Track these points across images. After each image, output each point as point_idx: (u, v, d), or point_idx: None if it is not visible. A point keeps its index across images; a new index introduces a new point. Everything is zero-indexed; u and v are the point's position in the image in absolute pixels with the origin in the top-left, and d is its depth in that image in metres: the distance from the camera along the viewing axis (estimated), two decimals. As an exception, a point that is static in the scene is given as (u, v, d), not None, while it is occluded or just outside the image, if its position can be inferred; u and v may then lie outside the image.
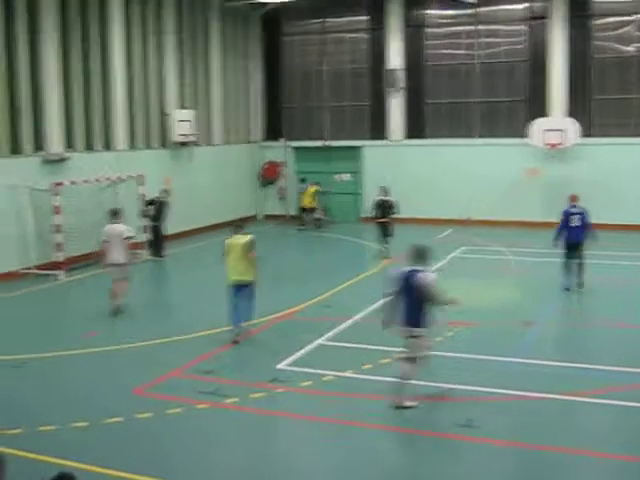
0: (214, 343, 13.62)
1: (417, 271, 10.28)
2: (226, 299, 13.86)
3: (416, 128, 29.08)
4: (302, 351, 12.96)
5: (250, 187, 31.11)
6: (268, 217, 30.85)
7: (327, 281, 18.59)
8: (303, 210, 29.07)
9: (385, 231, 21.93)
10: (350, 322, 14.85)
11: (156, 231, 22.42)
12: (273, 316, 15.36)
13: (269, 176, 31.29)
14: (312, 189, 28.75)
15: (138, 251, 17.22)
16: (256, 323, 14.70)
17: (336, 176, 30.55)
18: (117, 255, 15.76)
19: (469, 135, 28.42)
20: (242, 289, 13.75)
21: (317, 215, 28.91)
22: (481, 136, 28.24)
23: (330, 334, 13.99)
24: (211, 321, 14.94)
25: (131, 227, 16.60)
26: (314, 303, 16.50)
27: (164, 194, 22.78)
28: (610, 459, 8.94)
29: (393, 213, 21.93)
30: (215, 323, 14.70)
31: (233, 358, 12.89)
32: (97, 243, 21.74)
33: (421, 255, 10.47)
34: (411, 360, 10.44)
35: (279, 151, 30.95)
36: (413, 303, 10.24)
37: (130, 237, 16.00)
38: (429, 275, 10.29)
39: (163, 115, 25.72)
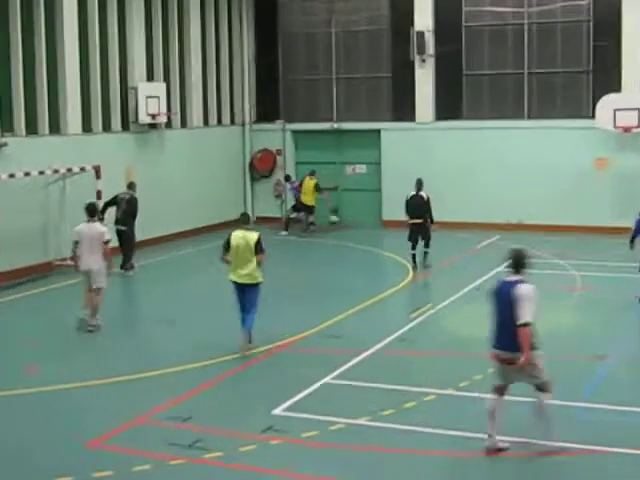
0: (193, 380, 13.58)
1: (516, 282, 10.47)
2: (209, 324, 13.94)
3: (450, 107, 29.12)
4: (304, 392, 12.92)
5: (238, 182, 31.18)
6: (261, 220, 30.83)
7: (337, 302, 18.57)
8: (297, 210, 29.11)
9: (420, 235, 22.08)
10: (366, 355, 14.81)
11: (124, 238, 22.26)
12: (268, 346, 15.34)
13: (262, 168, 31.32)
14: (311, 182, 28.77)
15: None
16: (247, 355, 14.70)
17: (348, 168, 30.60)
18: (92, 261, 16.33)
19: (518, 116, 28.43)
20: (246, 291, 15.11)
21: (311, 218, 28.98)
22: (533, 117, 28.25)
23: (340, 370, 13.96)
24: (190, 352, 14.93)
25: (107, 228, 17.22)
26: (320, 330, 16.50)
27: (130, 189, 22.65)
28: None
29: (430, 213, 22.15)
30: (195, 354, 14.68)
31: (217, 400, 12.86)
32: (38, 253, 21.99)
33: (520, 261, 10.68)
34: (540, 388, 10.59)
35: (275, 136, 31.00)
36: (514, 322, 10.38)
37: (109, 240, 16.65)
38: (525, 287, 10.42)
39: (126, 90, 25.79)
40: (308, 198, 28.74)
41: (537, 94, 28.35)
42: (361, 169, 30.50)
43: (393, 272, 22.32)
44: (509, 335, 10.49)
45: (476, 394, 12.60)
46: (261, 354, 14.96)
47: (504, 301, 10.51)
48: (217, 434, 11.35)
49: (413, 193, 22.33)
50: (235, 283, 15.20)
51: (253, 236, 15.02)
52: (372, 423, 11.68)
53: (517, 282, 10.48)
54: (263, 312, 15.94)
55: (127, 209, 22.24)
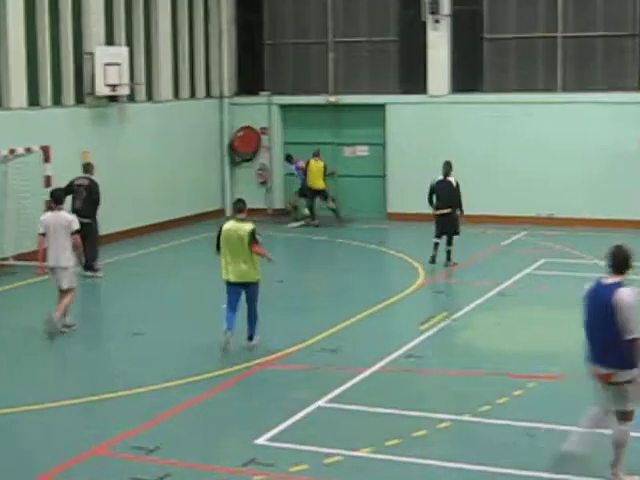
0: (163, 403, 13.62)
1: (615, 285, 10.46)
2: (184, 336, 14.10)
3: (469, 77, 29.20)
4: (294, 418, 12.94)
5: (215, 167, 31.25)
6: (242, 212, 30.92)
7: (333, 310, 18.71)
8: (304, 195, 29.27)
9: (447, 227, 22.45)
10: (367, 373, 14.86)
11: (86, 232, 21.78)
12: (251, 363, 15.40)
13: (244, 150, 31.37)
14: (319, 164, 28.99)
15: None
16: (222, 375, 14.75)
17: (347, 150, 30.68)
18: (60, 254, 16.81)
19: (550, 88, 28.51)
20: (242, 290, 15.87)
21: (331, 204, 29.13)
22: (568, 90, 28.32)
23: (336, 392, 14.00)
24: (160, 369, 15.02)
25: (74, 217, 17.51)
26: (313, 344, 16.54)
27: (87, 172, 22.38)
28: None
29: (460, 202, 22.51)
30: (166, 372, 14.75)
31: (190, 428, 12.88)
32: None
33: (623, 261, 10.64)
34: (622, 416, 10.60)
35: (259, 111, 31.09)
36: (613, 331, 10.39)
37: (78, 231, 17.07)
38: (627, 293, 10.39)
39: (81, 56, 25.81)
40: (319, 181, 28.97)
41: (573, 62, 28.42)
42: (362, 151, 30.58)
43: (400, 274, 22.43)
44: (608, 348, 10.47)
45: (499, 421, 12.69)
46: (243, 372, 15.00)
47: (601, 307, 10.45)
48: (189, 467, 11.38)
49: (440, 178, 22.64)
50: (229, 283, 15.83)
51: (246, 227, 15.61)
52: (374, 455, 11.69)
53: (617, 285, 10.42)
54: (244, 324, 16.09)
55: (87, 197, 21.97)
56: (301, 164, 29.55)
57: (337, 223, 29.06)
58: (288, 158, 30.12)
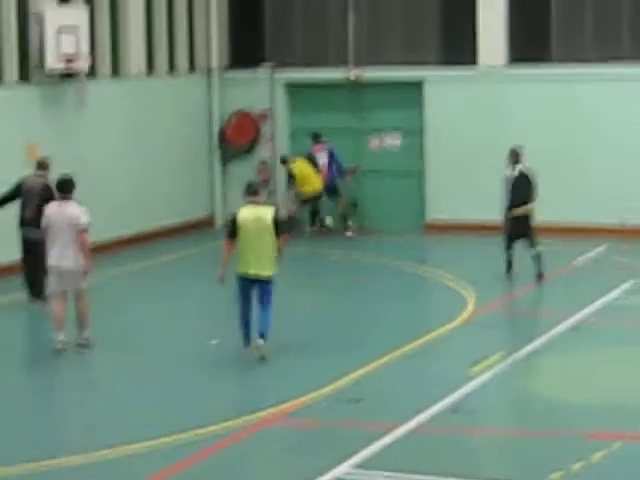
0: (142, 471, 13.73)
1: None
2: (161, 382, 14.62)
3: (533, 44, 29.29)
4: (306, 490, 13.07)
5: (201, 163, 31.39)
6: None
7: (358, 351, 18.74)
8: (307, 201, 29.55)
9: (524, 229, 23.05)
10: (400, 431, 14.91)
11: (36, 247, 21.61)
12: (255, 416, 15.46)
13: (239, 140, 31.51)
14: (301, 163, 29.44)
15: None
16: (218, 431, 14.84)
17: (373, 140, 30.80)
18: (67, 254, 17.92)
19: (638, 56, 28.57)
20: (257, 287, 17.64)
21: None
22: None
23: (361, 455, 14.03)
24: (133, 427, 15.11)
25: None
26: (332, 392, 16.54)
27: (41, 171, 22.38)
28: None
29: (533, 198, 23.20)
30: (140, 430, 14.85)
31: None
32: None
33: None
34: None
35: (259, 90, 31.25)
36: None
37: (87, 226, 18.22)
38: None
39: (25, 18, 25.94)
40: (315, 182, 29.57)
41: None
42: (393, 141, 30.70)
43: (444, 303, 22.59)
44: None
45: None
46: (237, 431, 15.08)
47: None
48: None
49: (514, 173, 23.23)
50: (243, 277, 17.58)
51: (267, 212, 17.53)
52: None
53: None
54: (243, 365, 16.19)
55: (40, 204, 21.74)
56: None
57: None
58: (316, 137, 30.42)
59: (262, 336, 17.76)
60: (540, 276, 23.33)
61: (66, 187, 18.62)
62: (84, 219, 18.34)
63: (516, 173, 23.24)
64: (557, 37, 29.29)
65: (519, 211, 23.03)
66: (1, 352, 20.15)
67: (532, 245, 23.36)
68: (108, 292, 23.62)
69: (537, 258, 23.18)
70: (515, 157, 23.29)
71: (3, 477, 13.66)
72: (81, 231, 18.23)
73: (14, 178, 22.63)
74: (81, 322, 18.72)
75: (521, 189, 23.10)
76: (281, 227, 17.61)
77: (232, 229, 17.70)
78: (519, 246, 23.36)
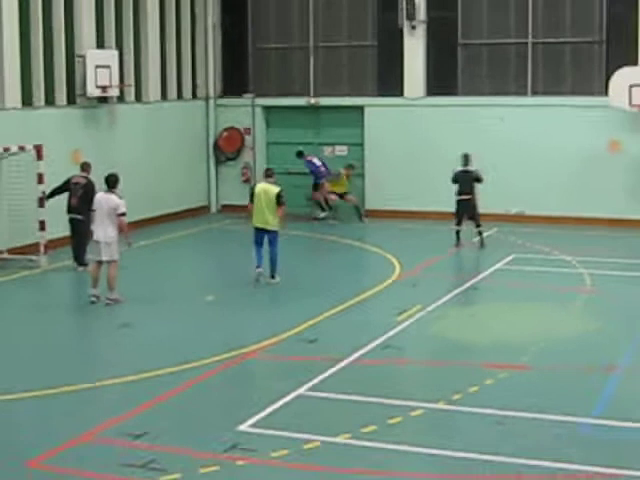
0: (148, 391, 13.56)
1: None
2: (169, 327, 15.69)
3: (444, 81, 29.17)
4: (274, 405, 12.90)
5: (201, 165, 31.15)
6: (226, 208, 30.83)
7: (311, 302, 18.59)
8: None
9: (468, 210, 23.58)
10: (345, 363, 14.83)
11: (79, 228, 21.72)
12: (234, 353, 15.34)
13: (228, 149, 31.30)
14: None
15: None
16: (208, 363, 14.73)
17: (327, 149, 30.57)
18: (107, 232, 18.65)
19: (520, 92, 28.48)
20: (265, 234, 20.07)
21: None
22: (538, 93, 28.31)
23: (315, 381, 13.96)
24: (146, 358, 15.01)
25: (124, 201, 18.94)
26: (292, 335, 16.49)
27: (84, 172, 22.17)
28: None
29: (474, 189, 23.86)
30: (151, 361, 14.76)
31: (175, 414, 12.83)
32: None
33: None
34: None
35: (243, 112, 31.00)
36: None
37: (124, 213, 18.80)
38: None
39: (72, 58, 25.69)
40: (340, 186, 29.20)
41: (543, 67, 28.42)
42: (341, 151, 30.48)
43: (378, 269, 22.37)
44: None
45: (470, 408, 12.70)
46: (226, 362, 14.97)
47: None
48: (175, 453, 11.34)
49: (461, 169, 24.13)
50: (256, 228, 20.14)
51: (274, 190, 20.02)
52: (352, 441, 11.66)
53: None
54: (231, 314, 16.20)
55: (83, 195, 21.70)
56: (318, 163, 29.18)
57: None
58: (300, 154, 29.83)
59: (272, 277, 20.23)
60: (482, 244, 23.84)
61: (111, 182, 18.98)
62: (122, 207, 18.65)
63: (462, 169, 23.98)
64: (461, 77, 29.20)
65: (462, 197, 23.66)
66: (52, 302, 20.13)
67: (476, 225, 23.83)
68: (139, 255, 23.40)
69: (480, 233, 23.73)
70: (465, 159, 24.07)
71: (52, 395, 13.53)
72: (119, 215, 18.58)
73: (64, 176, 22.42)
74: (110, 285, 18.76)
75: (464, 181, 23.85)
76: (279, 200, 19.91)
77: (251, 195, 20.32)
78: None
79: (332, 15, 30.33)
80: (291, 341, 16.18)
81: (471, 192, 23.97)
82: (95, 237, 18.88)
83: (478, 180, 24.05)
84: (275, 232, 20.08)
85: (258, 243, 20.23)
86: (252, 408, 12.78)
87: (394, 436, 11.77)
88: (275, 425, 12.24)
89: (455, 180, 24.26)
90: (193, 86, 30.96)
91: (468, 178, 23.98)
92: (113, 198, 18.72)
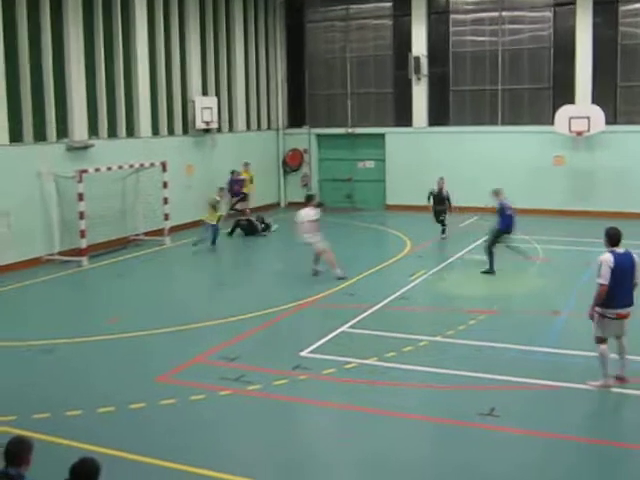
0: (239, 330, 13.64)
1: (629, 253, 10.40)
2: (259, 285, 15.52)
3: (440, 115, 28.90)
4: (325, 338, 12.95)
5: (274, 175, 31.11)
6: (291, 204, 30.84)
7: (351, 268, 18.44)
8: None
9: (440, 215, 22.48)
10: (374, 309, 14.82)
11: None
12: (297, 303, 15.38)
13: (293, 164, 31.27)
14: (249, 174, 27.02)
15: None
16: (280, 310, 14.77)
17: (360, 163, 30.49)
18: (306, 236, 17.45)
19: (493, 122, 28.20)
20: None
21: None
22: (505, 123, 28.01)
23: (353, 321, 13.98)
24: (237, 307, 15.03)
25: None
26: (337, 290, 16.48)
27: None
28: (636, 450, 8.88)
29: (449, 202, 22.57)
30: (241, 309, 14.80)
31: (257, 345, 12.91)
32: (118, 230, 22.07)
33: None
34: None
35: (302, 138, 30.90)
36: (631, 284, 10.38)
37: (318, 219, 17.58)
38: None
39: (186, 102, 25.77)
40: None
41: (508, 105, 28.10)
42: (370, 164, 30.31)
43: (395, 245, 22.23)
44: (631, 294, 10.41)
45: (459, 340, 12.63)
46: (292, 309, 15.01)
47: (630, 267, 10.32)
48: (257, 370, 11.42)
49: (436, 189, 22.52)
50: None
51: (311, 213, 17.41)
52: (378, 363, 11.70)
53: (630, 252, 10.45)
54: (291, 276, 16.14)
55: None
56: (240, 178, 26.31)
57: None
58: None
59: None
60: (444, 238, 22.64)
61: (308, 200, 18.10)
62: (315, 216, 17.47)
63: (437, 190, 22.51)
64: (452, 113, 28.91)
65: (436, 208, 22.40)
66: (175, 267, 20.11)
67: (443, 223, 22.53)
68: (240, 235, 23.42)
69: (443, 230, 22.52)
70: (440, 183, 22.61)
71: (176, 331, 13.59)
72: (313, 222, 17.40)
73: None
74: (332, 264, 17.55)
75: (437, 199, 22.40)
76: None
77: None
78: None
79: (363, 71, 30.12)
80: (337, 294, 16.17)
81: (442, 204, 22.46)
82: (304, 241, 17.62)
83: (448, 199, 22.59)
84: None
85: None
86: (310, 340, 12.84)
87: (407, 359, 11.80)
88: (325, 351, 12.29)
89: (430, 196, 22.62)
90: (268, 121, 30.91)
91: (440, 198, 22.40)
92: (309, 210, 17.61)
